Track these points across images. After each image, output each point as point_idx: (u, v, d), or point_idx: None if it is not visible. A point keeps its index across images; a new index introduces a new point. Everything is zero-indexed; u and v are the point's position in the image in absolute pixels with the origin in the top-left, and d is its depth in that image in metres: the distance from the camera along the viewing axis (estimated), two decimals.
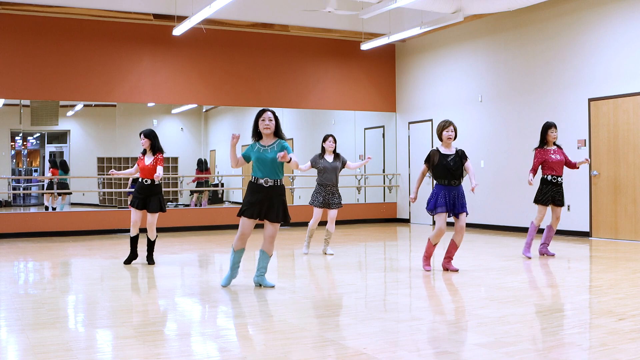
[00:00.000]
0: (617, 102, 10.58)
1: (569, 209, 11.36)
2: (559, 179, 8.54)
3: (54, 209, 13.90)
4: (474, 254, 9.15)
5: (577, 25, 11.23)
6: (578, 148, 11.18)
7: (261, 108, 6.57)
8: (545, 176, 8.56)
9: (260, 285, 6.56)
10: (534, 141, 11.67)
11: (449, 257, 7.52)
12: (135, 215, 8.33)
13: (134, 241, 8.42)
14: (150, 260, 8.43)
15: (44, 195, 14.44)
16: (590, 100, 11.01)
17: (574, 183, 11.26)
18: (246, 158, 6.47)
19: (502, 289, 6.39)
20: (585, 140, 11.08)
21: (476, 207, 13.26)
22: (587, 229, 11.07)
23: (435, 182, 7.38)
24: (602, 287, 6.47)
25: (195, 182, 15.67)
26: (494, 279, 7.00)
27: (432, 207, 7.29)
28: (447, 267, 7.53)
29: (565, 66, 11.44)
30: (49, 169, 14.51)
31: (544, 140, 8.66)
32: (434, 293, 6.54)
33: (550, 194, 8.53)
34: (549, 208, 8.68)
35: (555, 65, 11.63)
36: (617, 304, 5.51)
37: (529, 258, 8.61)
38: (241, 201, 6.64)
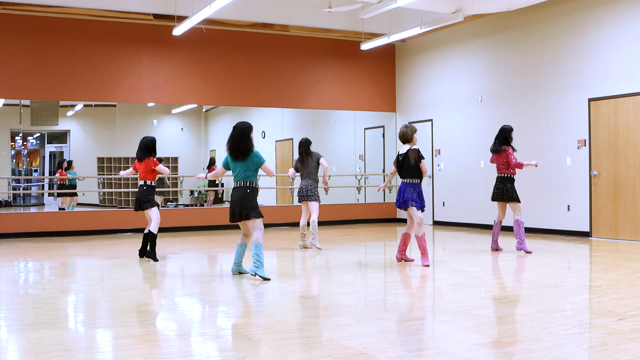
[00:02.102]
0: (617, 102, 10.58)
1: (568, 209, 11.36)
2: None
3: (62, 209, 13.90)
4: (474, 254, 9.16)
5: (577, 26, 11.23)
6: (578, 148, 11.18)
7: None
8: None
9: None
10: (534, 141, 11.73)
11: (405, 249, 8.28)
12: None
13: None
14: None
15: (57, 197, 14.42)
16: (590, 100, 11.01)
17: (574, 183, 11.26)
18: None
19: (501, 289, 6.39)
20: (585, 140, 11.08)
21: (476, 207, 13.25)
22: (587, 229, 11.07)
23: (418, 180, 8.27)
24: (602, 287, 6.47)
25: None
26: (494, 279, 7.00)
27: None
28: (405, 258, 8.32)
29: (565, 66, 11.44)
30: (58, 170, 14.47)
31: (510, 141, 9.25)
32: (434, 293, 6.54)
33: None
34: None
35: (555, 66, 11.63)
36: (617, 304, 5.51)
37: (530, 252, 9.09)
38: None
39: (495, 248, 9.35)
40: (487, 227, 12.97)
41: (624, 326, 4.70)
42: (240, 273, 7.25)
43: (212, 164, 15.93)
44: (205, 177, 7.97)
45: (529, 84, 12.16)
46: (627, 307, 5.35)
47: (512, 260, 8.45)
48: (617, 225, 10.59)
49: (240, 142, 6.94)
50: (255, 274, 6.87)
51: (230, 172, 7.20)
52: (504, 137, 9.15)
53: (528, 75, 12.17)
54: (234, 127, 7.04)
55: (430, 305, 5.94)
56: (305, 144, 9.96)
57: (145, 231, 8.72)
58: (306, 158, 9.85)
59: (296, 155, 10.40)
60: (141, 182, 8.71)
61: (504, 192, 9.08)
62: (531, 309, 5.52)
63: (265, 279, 6.87)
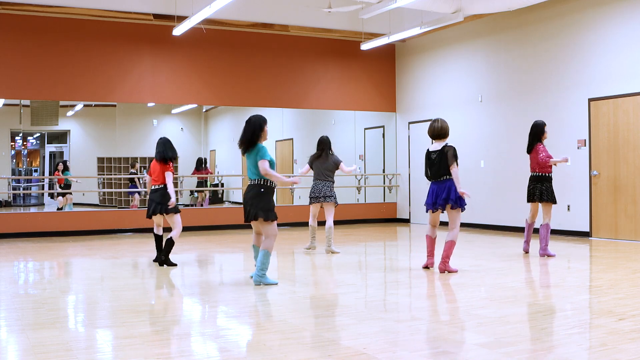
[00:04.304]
0: (617, 102, 10.58)
1: (568, 209, 11.36)
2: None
3: (60, 209, 13.92)
4: (474, 254, 9.15)
5: (577, 25, 11.23)
6: (578, 148, 11.18)
7: (262, 115, 6.76)
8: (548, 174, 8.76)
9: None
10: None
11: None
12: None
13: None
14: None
15: (57, 197, 14.43)
16: (590, 100, 11.01)
17: (574, 183, 11.26)
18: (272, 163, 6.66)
19: (502, 289, 6.39)
20: (585, 140, 11.08)
21: (476, 207, 13.25)
22: (587, 229, 11.07)
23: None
24: (602, 287, 6.47)
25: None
26: (494, 279, 7.00)
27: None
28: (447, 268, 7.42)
29: (565, 66, 11.44)
30: (54, 172, 14.46)
31: (541, 138, 8.80)
32: (434, 293, 6.54)
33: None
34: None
35: (555, 66, 11.63)
36: (617, 304, 5.51)
37: (553, 255, 8.67)
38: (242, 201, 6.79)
39: (527, 250, 8.98)
40: (487, 227, 12.97)
41: (624, 326, 4.70)
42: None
43: (204, 166, 15.91)
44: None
45: (529, 84, 12.16)
46: (627, 307, 5.35)
47: (512, 261, 8.45)
48: (617, 225, 10.59)
49: (247, 133, 6.62)
50: (260, 283, 6.61)
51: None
52: (533, 134, 8.79)
53: (528, 75, 12.17)
54: (246, 121, 6.75)
55: (430, 305, 5.94)
56: (325, 142, 9.39)
57: (159, 233, 8.41)
58: (328, 157, 9.32)
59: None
60: (158, 186, 8.27)
61: (542, 192, 8.63)
62: (531, 309, 5.52)
63: (271, 284, 6.64)
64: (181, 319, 5.42)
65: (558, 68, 11.57)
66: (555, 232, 11.53)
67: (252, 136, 6.60)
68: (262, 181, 6.58)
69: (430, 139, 7.56)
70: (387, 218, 15.46)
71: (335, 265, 8.35)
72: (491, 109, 13.01)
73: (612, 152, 10.65)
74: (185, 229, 13.28)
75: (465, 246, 10.17)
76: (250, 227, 7.08)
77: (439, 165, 7.28)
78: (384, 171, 15.77)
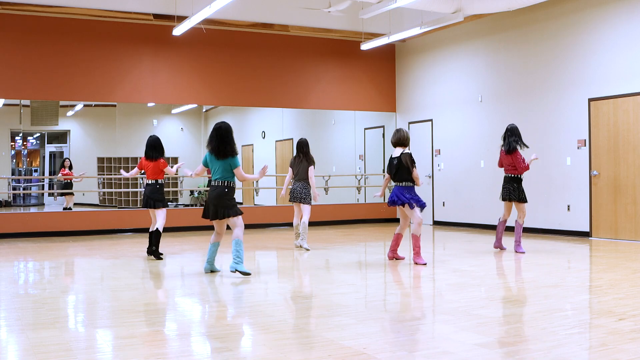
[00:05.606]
0: (617, 102, 10.58)
1: (568, 209, 11.36)
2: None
3: (69, 208, 13.92)
4: (474, 254, 9.16)
5: (577, 25, 11.23)
6: (578, 148, 11.19)
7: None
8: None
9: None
10: (534, 141, 11.73)
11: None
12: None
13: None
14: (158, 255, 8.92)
15: (57, 197, 14.42)
16: (590, 100, 11.01)
17: (574, 183, 11.26)
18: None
19: (502, 289, 6.39)
20: (585, 140, 11.08)
21: (476, 207, 13.26)
22: (587, 229, 11.07)
23: (412, 184, 8.08)
24: (602, 287, 6.48)
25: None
26: (494, 279, 7.00)
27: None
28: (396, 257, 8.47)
29: (565, 66, 11.44)
30: (60, 169, 14.46)
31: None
32: (434, 293, 6.54)
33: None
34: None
35: (555, 65, 11.63)
36: (617, 304, 5.52)
37: (523, 253, 9.12)
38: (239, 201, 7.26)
39: (499, 247, 9.41)
40: (487, 227, 12.97)
41: (624, 326, 4.70)
42: (212, 271, 7.48)
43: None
44: (191, 176, 8.16)
45: (529, 84, 12.16)
46: (627, 307, 5.35)
47: (512, 260, 8.45)
48: (617, 225, 10.59)
49: (224, 143, 7.25)
50: (235, 270, 7.09)
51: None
52: (519, 137, 9.14)
53: (528, 75, 12.17)
54: (217, 128, 7.37)
55: (430, 305, 5.94)
56: (300, 145, 9.97)
57: (152, 229, 8.85)
58: (303, 159, 9.84)
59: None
60: (152, 181, 8.87)
61: (511, 191, 9.11)
62: (531, 309, 5.52)
63: (245, 273, 7.08)
64: (181, 319, 5.42)
65: (558, 68, 11.57)
66: (555, 232, 11.55)
67: (231, 144, 7.29)
68: (226, 182, 7.18)
69: (393, 146, 8.19)
70: (387, 218, 15.45)
71: (335, 265, 8.35)
72: (491, 109, 13.01)
73: (612, 152, 10.65)
74: (185, 229, 13.32)
75: (465, 246, 10.17)
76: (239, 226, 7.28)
77: (402, 170, 7.98)
78: (384, 171, 15.76)
